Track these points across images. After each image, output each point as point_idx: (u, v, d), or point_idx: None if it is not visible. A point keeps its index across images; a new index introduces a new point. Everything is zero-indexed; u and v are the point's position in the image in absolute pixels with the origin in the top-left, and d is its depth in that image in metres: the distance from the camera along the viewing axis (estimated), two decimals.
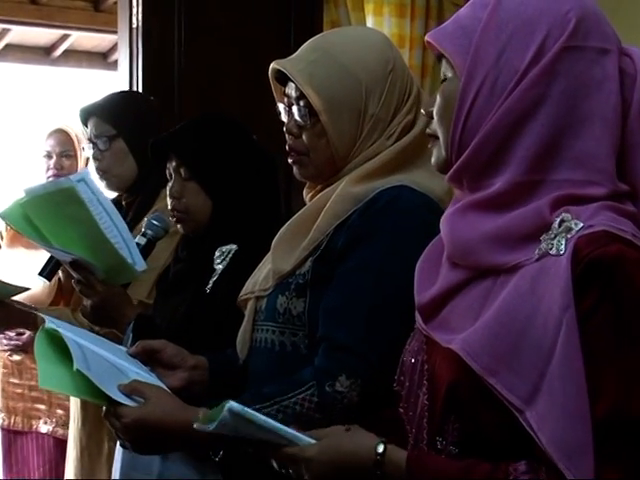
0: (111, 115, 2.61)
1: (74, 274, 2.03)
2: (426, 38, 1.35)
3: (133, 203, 2.60)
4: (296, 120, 1.73)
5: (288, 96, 1.76)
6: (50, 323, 1.56)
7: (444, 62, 1.33)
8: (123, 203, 2.63)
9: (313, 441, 1.33)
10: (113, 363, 1.64)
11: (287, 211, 2.19)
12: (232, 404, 1.31)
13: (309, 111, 1.70)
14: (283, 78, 1.77)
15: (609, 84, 1.27)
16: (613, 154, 1.27)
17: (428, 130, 1.38)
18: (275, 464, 1.38)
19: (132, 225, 2.36)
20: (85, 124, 2.67)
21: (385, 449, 1.29)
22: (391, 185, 1.66)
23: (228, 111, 2.91)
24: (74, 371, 1.47)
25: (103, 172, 2.62)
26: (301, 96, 1.71)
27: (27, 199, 1.95)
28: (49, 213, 1.93)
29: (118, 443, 2.25)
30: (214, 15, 3.61)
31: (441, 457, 1.29)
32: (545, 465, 1.18)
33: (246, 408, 1.33)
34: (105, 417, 1.59)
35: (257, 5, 3.68)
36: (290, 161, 1.78)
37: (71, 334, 1.58)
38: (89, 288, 2.02)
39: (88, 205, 1.93)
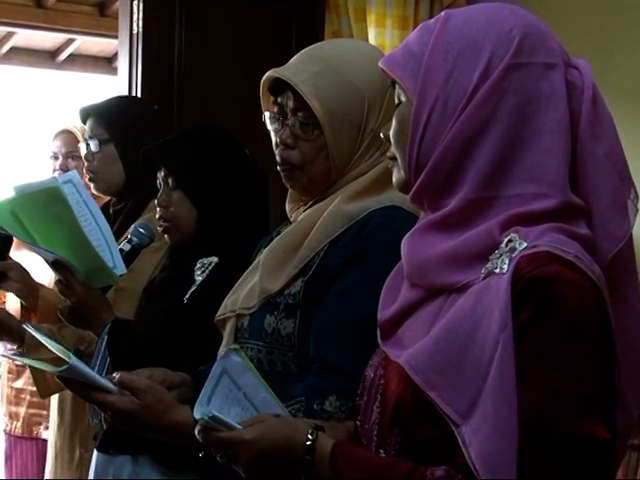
0: (106, 119, 2.61)
1: (55, 273, 2.03)
2: (379, 65, 1.39)
3: (121, 211, 2.61)
4: (293, 131, 1.71)
5: (281, 106, 1.73)
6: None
7: (397, 87, 1.37)
8: (111, 211, 2.63)
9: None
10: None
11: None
12: (214, 412, 1.32)
13: (312, 123, 1.68)
14: (276, 87, 1.74)
15: (557, 97, 1.29)
16: (564, 165, 1.28)
17: (388, 153, 1.41)
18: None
19: (118, 234, 2.36)
20: (84, 123, 2.69)
21: (317, 436, 1.30)
22: (384, 205, 1.66)
23: (226, 120, 2.91)
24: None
25: (91, 173, 2.63)
26: (300, 107, 1.69)
27: (15, 197, 1.95)
28: (35, 212, 1.94)
29: (95, 449, 2.27)
30: (215, 23, 3.61)
31: (367, 451, 1.31)
32: (463, 473, 1.19)
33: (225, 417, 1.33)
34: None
35: (258, 14, 3.68)
36: (281, 171, 1.75)
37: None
38: (68, 288, 2.02)
39: (72, 206, 1.94)
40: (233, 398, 1.36)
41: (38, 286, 2.59)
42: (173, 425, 1.62)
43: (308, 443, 1.29)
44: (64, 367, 1.52)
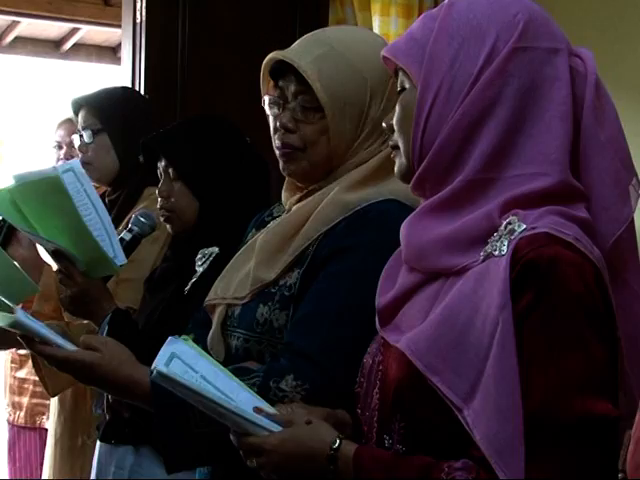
0: (99, 109, 2.64)
1: (56, 263, 2.03)
2: (382, 54, 1.39)
3: (116, 201, 2.62)
4: (293, 115, 1.69)
5: (282, 89, 1.71)
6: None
7: (400, 74, 1.37)
8: (106, 200, 2.64)
9: (275, 427, 1.34)
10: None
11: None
12: (161, 367, 1.31)
13: (313, 107, 1.67)
14: (278, 70, 1.72)
15: (560, 82, 1.30)
16: (566, 148, 1.29)
17: (390, 142, 1.41)
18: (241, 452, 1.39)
19: (114, 223, 2.35)
20: (76, 114, 2.70)
21: (340, 444, 1.30)
22: (382, 198, 1.64)
23: (229, 109, 2.90)
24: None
25: (85, 164, 2.62)
26: (302, 90, 1.68)
27: (14, 185, 1.95)
28: (35, 201, 1.93)
29: (98, 439, 2.28)
30: (218, 13, 3.60)
31: (388, 452, 1.31)
32: (481, 465, 1.18)
33: (177, 374, 1.32)
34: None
35: (262, 3, 3.67)
36: (280, 155, 1.73)
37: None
38: (69, 278, 2.02)
39: (72, 196, 1.93)
40: (190, 379, 1.35)
41: (44, 264, 2.60)
42: (129, 381, 1.62)
43: (330, 452, 1.30)
44: (10, 320, 1.52)
